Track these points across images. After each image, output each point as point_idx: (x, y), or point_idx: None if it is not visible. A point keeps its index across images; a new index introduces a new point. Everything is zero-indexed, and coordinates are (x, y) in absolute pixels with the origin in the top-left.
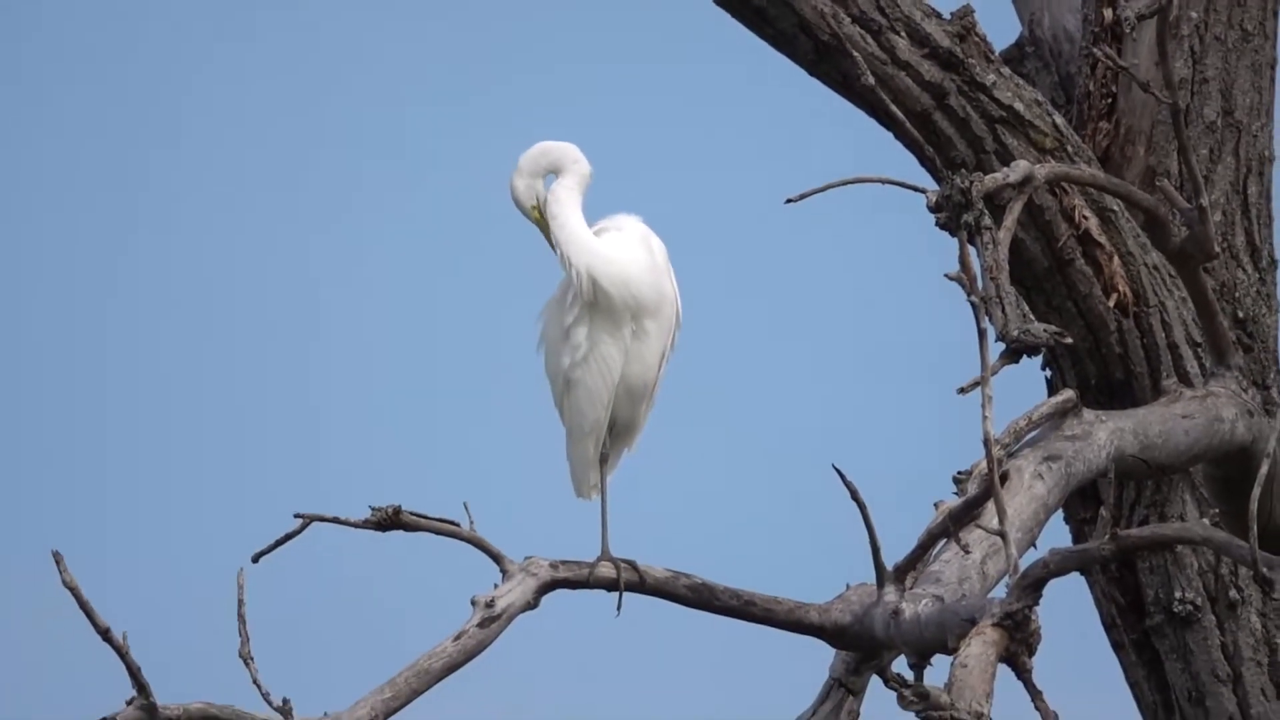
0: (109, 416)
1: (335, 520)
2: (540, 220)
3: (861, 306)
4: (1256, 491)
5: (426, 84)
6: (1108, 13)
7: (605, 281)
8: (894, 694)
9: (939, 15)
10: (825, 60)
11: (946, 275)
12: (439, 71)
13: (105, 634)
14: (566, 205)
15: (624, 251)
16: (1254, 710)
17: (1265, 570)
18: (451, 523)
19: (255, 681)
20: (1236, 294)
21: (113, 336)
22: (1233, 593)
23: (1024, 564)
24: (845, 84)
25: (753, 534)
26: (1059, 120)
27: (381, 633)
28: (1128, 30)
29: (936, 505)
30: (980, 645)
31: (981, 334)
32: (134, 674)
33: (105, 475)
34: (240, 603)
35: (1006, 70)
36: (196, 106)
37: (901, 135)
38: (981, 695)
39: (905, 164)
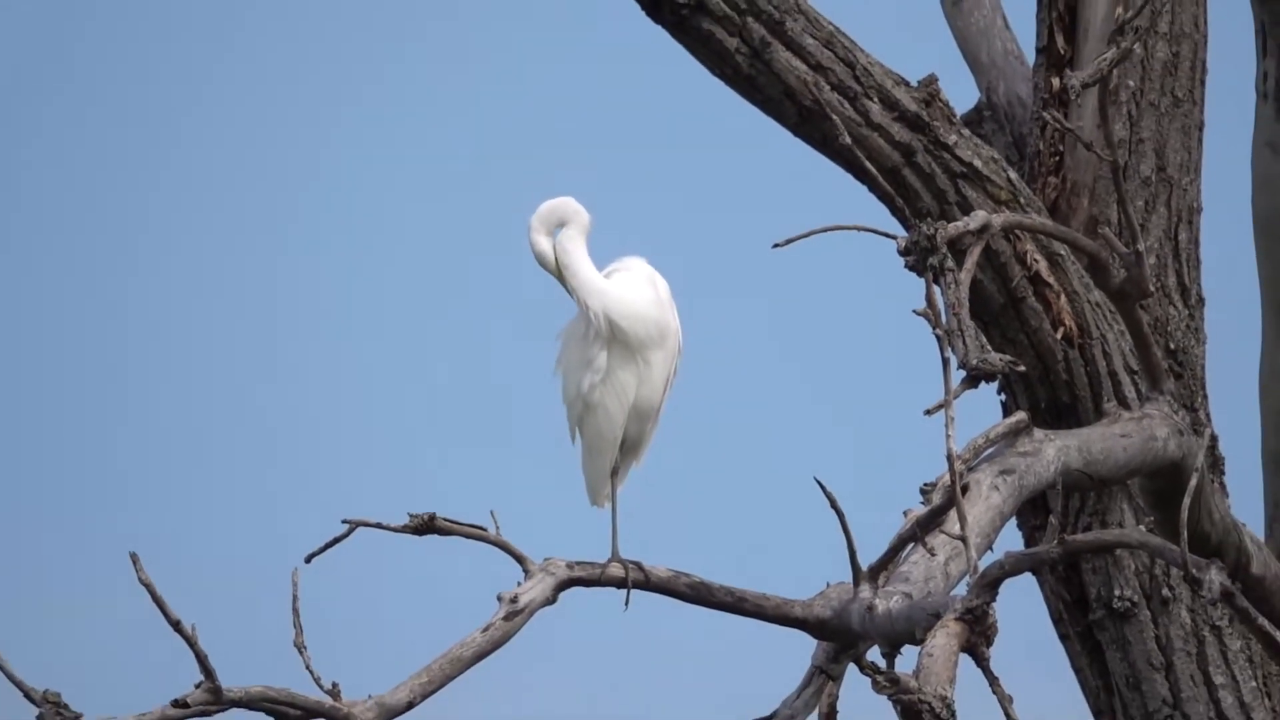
0: (166, 436)
1: (378, 525)
2: (558, 272)
3: (841, 338)
4: (1186, 502)
5: (439, 95)
6: (1055, 81)
7: (620, 320)
8: (869, 679)
9: (907, 83)
10: (807, 122)
11: (915, 311)
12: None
13: (176, 626)
14: (574, 253)
15: (633, 291)
16: (1184, 694)
17: (1194, 571)
18: (480, 528)
19: (308, 667)
20: (1169, 328)
21: (159, 348)
22: (1165, 591)
23: (982, 565)
24: (824, 143)
25: (745, 538)
26: (1013, 175)
27: (416, 626)
28: (1073, 97)
29: (905, 513)
30: (944, 637)
31: (945, 362)
32: (201, 661)
33: (174, 488)
34: (295, 599)
35: (967, 131)
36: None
37: (875, 188)
38: (945, 681)
39: (878, 213)
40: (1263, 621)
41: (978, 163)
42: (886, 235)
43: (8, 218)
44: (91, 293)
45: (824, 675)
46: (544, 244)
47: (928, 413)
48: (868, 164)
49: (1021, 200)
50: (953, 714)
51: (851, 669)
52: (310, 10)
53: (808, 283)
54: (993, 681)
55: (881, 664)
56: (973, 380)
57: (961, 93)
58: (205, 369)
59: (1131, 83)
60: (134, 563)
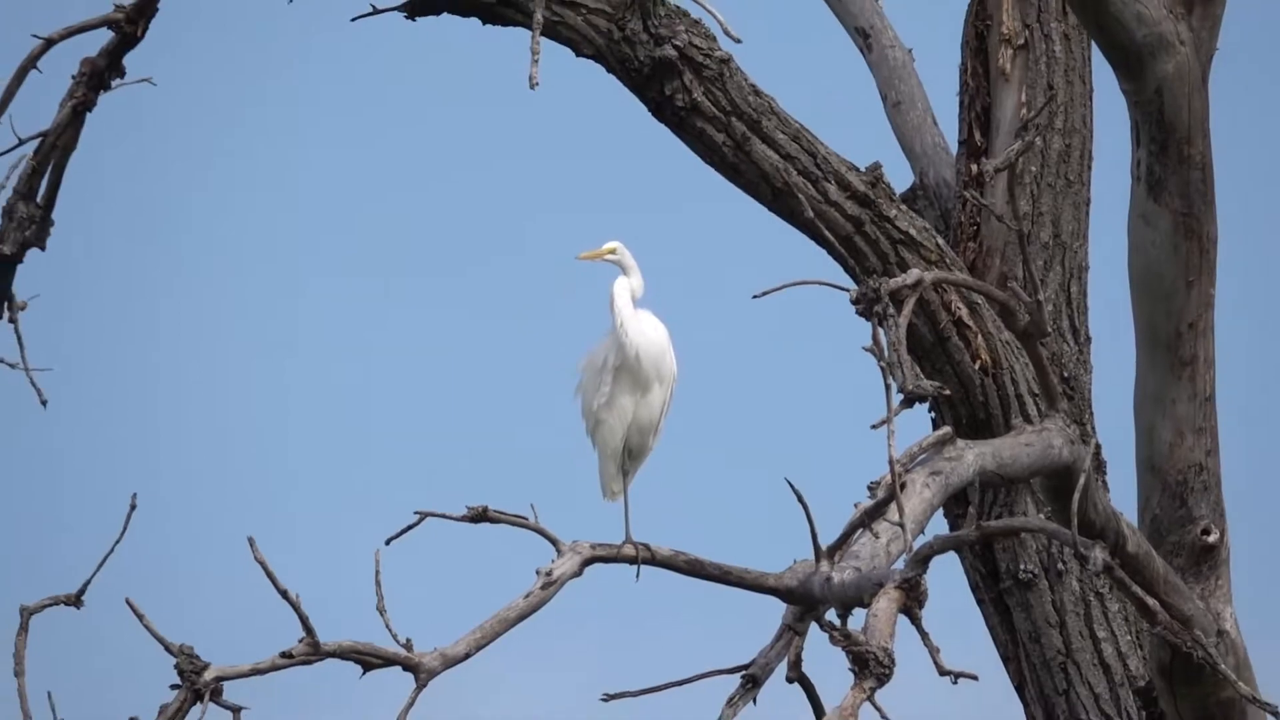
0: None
1: (443, 515)
2: (607, 257)
3: (807, 370)
4: (1077, 496)
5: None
6: (973, 167)
7: (644, 355)
8: (827, 635)
9: (857, 169)
10: (778, 200)
11: (863, 348)
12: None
13: (284, 594)
14: (621, 298)
15: (655, 333)
16: (1074, 646)
17: (1082, 550)
18: (522, 518)
19: (388, 627)
20: (1063, 360)
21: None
22: (1059, 565)
23: (916, 545)
24: (792, 216)
25: (731, 525)
26: (940, 241)
27: (469, 595)
28: (987, 179)
29: (856, 506)
30: (886, 601)
31: (888, 388)
32: (304, 621)
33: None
34: (377, 573)
35: (904, 207)
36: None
37: (832, 252)
38: (886, 635)
39: (835, 270)
40: (1136, 589)
41: (913, 231)
42: (841, 289)
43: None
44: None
45: (792, 632)
46: (610, 250)
47: (874, 427)
48: (827, 233)
49: (947, 261)
50: (893, 661)
51: (813, 627)
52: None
53: (781, 325)
54: (924, 636)
55: (837, 623)
56: (909, 402)
57: (900, 176)
58: (269, 364)
59: (1033, 168)
60: (251, 544)
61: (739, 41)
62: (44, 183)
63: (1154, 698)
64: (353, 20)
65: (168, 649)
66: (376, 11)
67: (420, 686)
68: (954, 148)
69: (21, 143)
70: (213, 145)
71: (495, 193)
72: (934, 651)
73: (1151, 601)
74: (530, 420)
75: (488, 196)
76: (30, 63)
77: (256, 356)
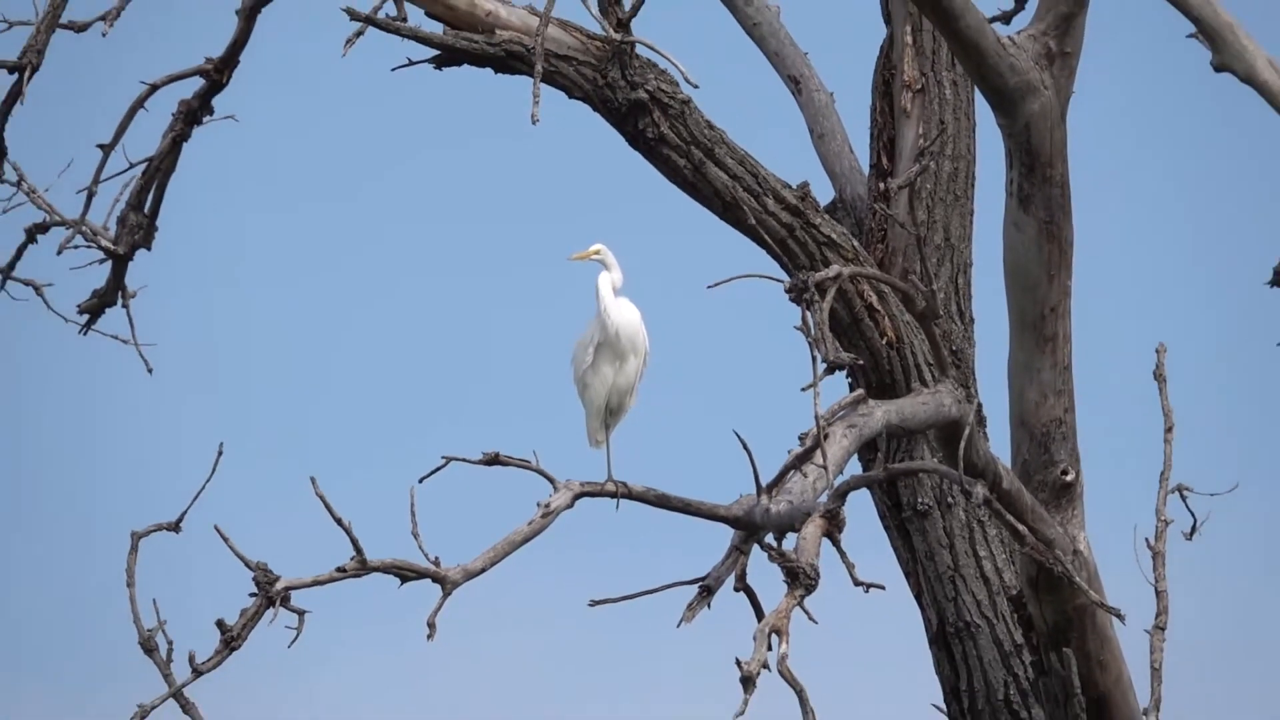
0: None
1: (464, 459)
2: (593, 256)
3: (748, 344)
4: (962, 444)
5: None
6: (881, 185)
7: (621, 333)
8: (766, 554)
9: (791, 186)
10: (728, 211)
11: (795, 327)
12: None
13: (339, 521)
14: (604, 288)
15: (630, 315)
16: (961, 563)
17: (966, 487)
18: (526, 461)
19: (420, 548)
20: (951, 337)
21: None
22: (949, 499)
23: (836, 483)
24: (739, 224)
25: (691, 467)
26: (855, 243)
27: (485, 523)
28: (892, 195)
29: (789, 451)
30: (813, 527)
31: (814, 359)
32: (354, 543)
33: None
34: (412, 505)
35: (827, 216)
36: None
37: (770, 251)
38: (813, 554)
39: (772, 266)
40: (1009, 518)
41: (834, 236)
42: (778, 280)
43: None
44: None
45: (738, 551)
46: (595, 251)
47: (803, 389)
48: (766, 237)
49: (861, 259)
50: (818, 574)
51: (755, 549)
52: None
53: (731, 309)
54: (843, 555)
55: (774, 545)
56: (831, 369)
57: (823, 192)
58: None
59: (928, 186)
60: (313, 482)
61: (696, 86)
62: (149, 197)
63: (1024, 603)
64: (393, 70)
65: (247, 565)
66: (412, 63)
67: (446, 594)
68: (866, 170)
69: (132, 166)
70: (281, 162)
71: (511, 205)
72: (850, 567)
73: (1021, 528)
74: (533, 384)
75: (506, 209)
76: (139, 103)
77: (313, 343)
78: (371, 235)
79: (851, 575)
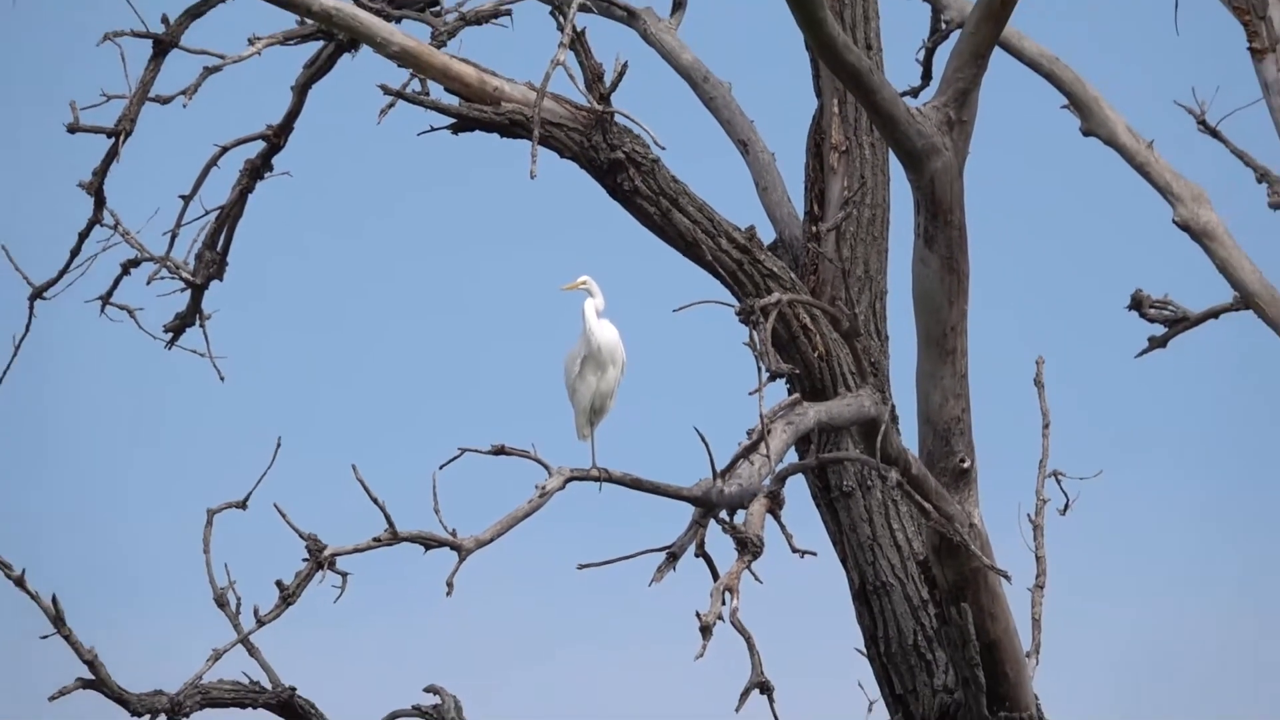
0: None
1: (476, 450)
2: (580, 286)
3: (707, 357)
4: (879, 438)
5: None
6: (813, 228)
7: (603, 348)
8: (720, 527)
9: (740, 229)
10: (689, 249)
11: (744, 342)
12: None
13: (375, 500)
14: (589, 312)
15: (610, 333)
16: (878, 533)
17: (883, 472)
18: (527, 452)
19: (441, 522)
20: (870, 352)
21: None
22: (869, 482)
23: (777, 469)
24: (698, 259)
25: (659, 456)
26: (793, 275)
27: (491, 503)
28: (822, 235)
29: (739, 444)
30: (758, 505)
31: (759, 369)
32: (388, 517)
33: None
34: (434, 487)
35: (769, 253)
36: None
37: (723, 281)
38: (759, 527)
39: (725, 294)
40: (917, 497)
41: (775, 269)
42: (730, 305)
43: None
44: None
45: (698, 525)
46: (582, 281)
47: (750, 394)
48: (720, 270)
49: (797, 288)
50: (762, 543)
51: (712, 523)
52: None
53: (693, 328)
54: (783, 527)
55: (727, 520)
56: (773, 378)
57: (767, 233)
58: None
59: (851, 229)
60: (354, 470)
61: (663, 148)
62: (221, 238)
63: (929, 567)
64: (418, 135)
65: (300, 535)
66: (434, 129)
67: (462, 559)
68: (801, 216)
69: (207, 212)
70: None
71: (512, 243)
72: (789, 537)
73: (927, 505)
74: (532, 389)
75: (509, 246)
76: (213, 161)
77: (349, 358)
78: (404, 261)
79: (790, 544)
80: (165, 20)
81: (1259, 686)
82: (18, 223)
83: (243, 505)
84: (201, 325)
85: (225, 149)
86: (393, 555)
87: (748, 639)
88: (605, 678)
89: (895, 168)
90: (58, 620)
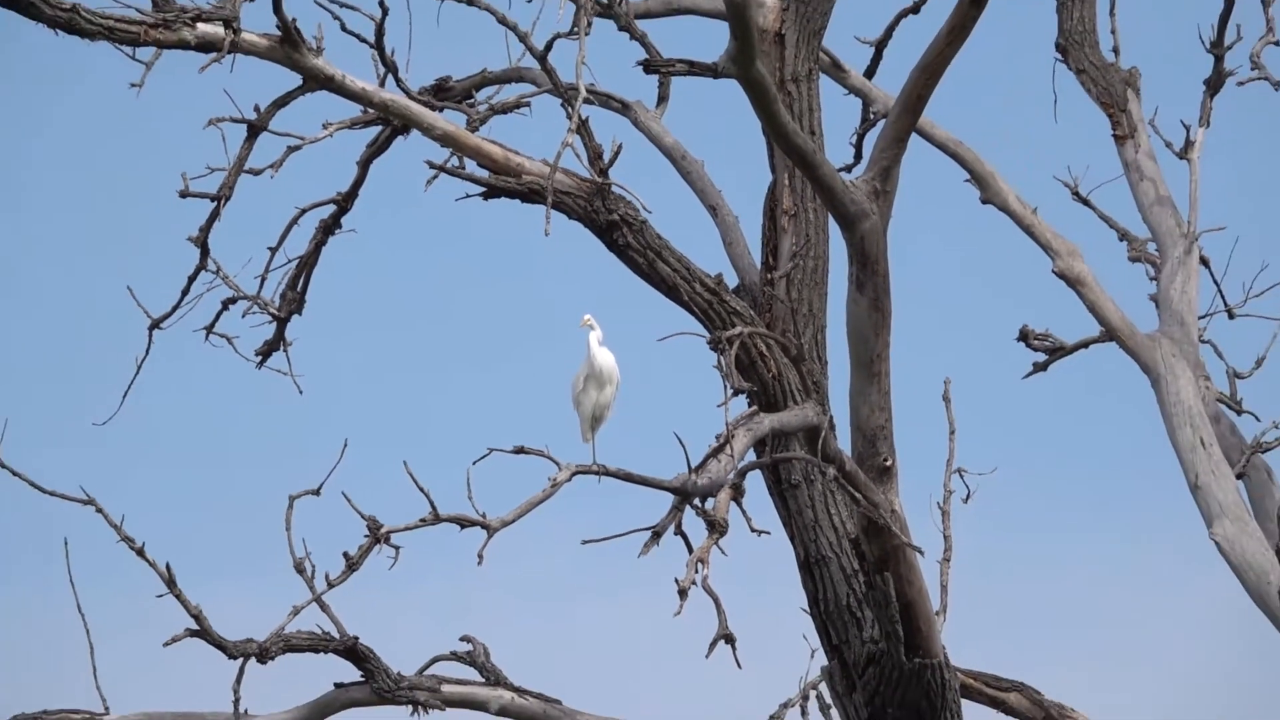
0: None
1: (500, 450)
2: (585, 323)
3: (683, 378)
4: (820, 441)
5: None
6: (769, 276)
7: (602, 370)
8: (694, 511)
9: (710, 276)
10: (671, 292)
11: (713, 366)
12: None
13: (420, 488)
14: (592, 343)
15: (608, 358)
16: (819, 517)
17: (823, 468)
18: (541, 451)
19: (473, 506)
20: (813, 374)
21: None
22: (812, 476)
23: (740, 466)
24: (678, 299)
25: (647, 454)
26: (752, 313)
27: (513, 492)
28: (775, 281)
29: (709, 445)
30: (724, 494)
31: (726, 387)
32: (431, 503)
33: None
34: (468, 479)
35: (734, 295)
36: None
37: (697, 317)
38: (724, 511)
39: (698, 327)
40: (850, 489)
41: (738, 308)
42: (703, 336)
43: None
44: None
45: (676, 510)
46: (586, 322)
47: (719, 406)
48: (695, 308)
49: (755, 323)
50: (727, 524)
51: (688, 509)
52: None
53: (673, 355)
54: (744, 512)
55: (700, 505)
56: (736, 394)
57: (732, 279)
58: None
59: (799, 276)
60: (405, 466)
61: (650, 212)
62: (301, 280)
63: (859, 543)
64: (456, 200)
65: (361, 516)
66: (468, 196)
67: (490, 536)
68: (759, 265)
69: (289, 261)
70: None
71: (528, 286)
72: (749, 519)
73: (858, 495)
74: (545, 402)
75: (524, 290)
76: (293, 221)
77: (400, 374)
78: (444, 298)
79: (749, 525)
80: (257, 109)
81: (1117, 631)
82: (140, 268)
83: (316, 492)
84: (285, 350)
85: (304, 210)
86: (435, 532)
87: (715, 600)
88: (605, 629)
89: (833, 227)
90: (170, 582)
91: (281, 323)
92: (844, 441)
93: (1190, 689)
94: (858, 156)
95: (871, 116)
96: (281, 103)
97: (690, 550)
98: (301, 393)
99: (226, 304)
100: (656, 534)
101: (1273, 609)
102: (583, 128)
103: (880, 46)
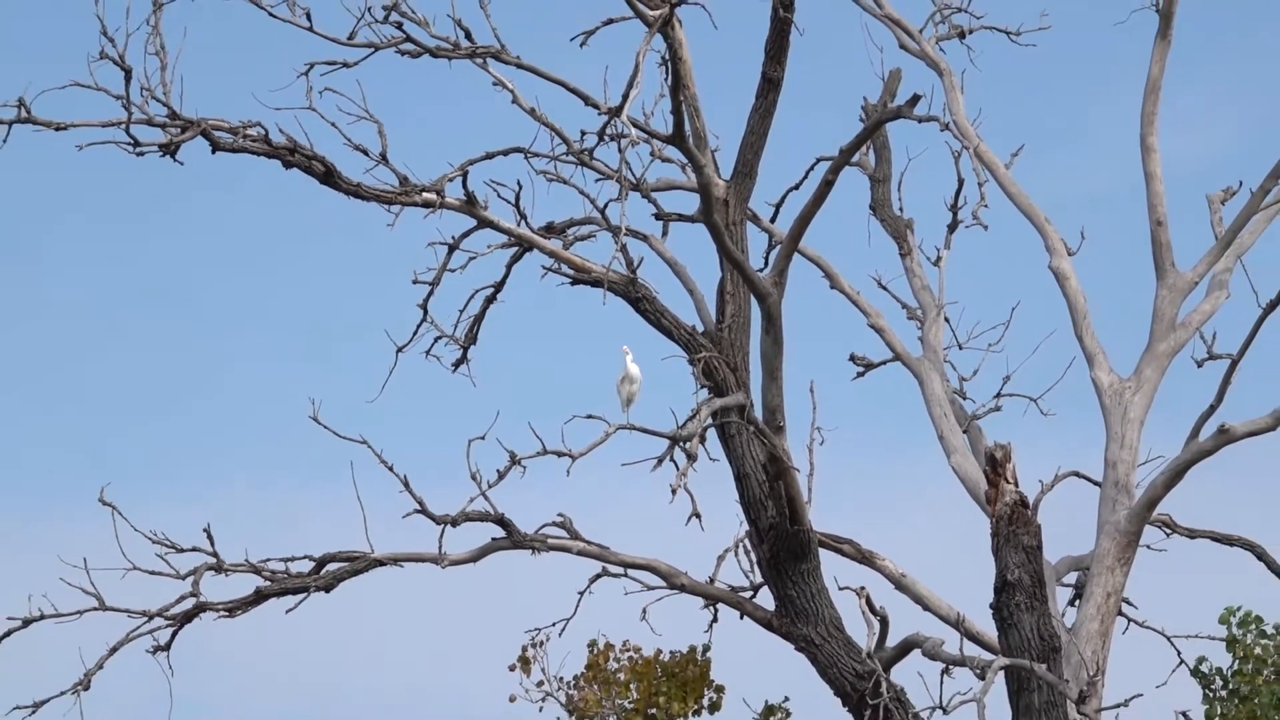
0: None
1: (583, 416)
2: (624, 351)
3: (675, 379)
4: (745, 411)
5: None
6: (719, 325)
7: (633, 375)
8: (679, 449)
9: (689, 326)
10: (668, 334)
11: (691, 374)
12: None
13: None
14: (628, 360)
15: (635, 369)
16: (745, 451)
17: (746, 427)
18: (602, 417)
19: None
20: (742, 377)
21: None
22: (742, 430)
23: (705, 424)
24: (672, 339)
25: (655, 418)
26: (711, 345)
27: (588, 436)
28: (725, 327)
29: (689, 413)
30: (696, 440)
31: (697, 384)
32: (540, 440)
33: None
34: (563, 435)
35: (701, 335)
36: None
37: (682, 346)
38: (696, 449)
39: (679, 352)
40: (761, 438)
41: (704, 342)
42: (684, 357)
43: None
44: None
45: (670, 448)
46: (624, 352)
47: (693, 394)
48: (680, 343)
49: (713, 350)
50: (698, 455)
51: (676, 450)
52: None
53: (671, 372)
54: (707, 450)
55: (683, 446)
56: (702, 388)
57: (699, 327)
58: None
59: (735, 325)
60: (531, 428)
61: (658, 292)
62: (476, 326)
63: (766, 466)
64: (557, 285)
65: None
66: (562, 283)
67: (574, 461)
68: (715, 319)
69: (475, 293)
70: None
71: (591, 338)
72: (709, 453)
73: (766, 440)
74: (604, 394)
75: (591, 342)
76: (470, 297)
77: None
78: (545, 341)
79: (708, 456)
80: (453, 237)
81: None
82: (387, 321)
83: (483, 438)
84: (467, 364)
85: (477, 290)
86: (540, 461)
87: (690, 495)
88: (631, 516)
89: (753, 301)
90: (406, 483)
91: (465, 349)
92: (759, 410)
93: (930, 555)
94: (766, 261)
95: (773, 243)
96: (466, 234)
97: (678, 469)
98: (475, 385)
99: (436, 340)
100: (660, 460)
101: (982, 505)
102: (624, 249)
103: (778, 206)
